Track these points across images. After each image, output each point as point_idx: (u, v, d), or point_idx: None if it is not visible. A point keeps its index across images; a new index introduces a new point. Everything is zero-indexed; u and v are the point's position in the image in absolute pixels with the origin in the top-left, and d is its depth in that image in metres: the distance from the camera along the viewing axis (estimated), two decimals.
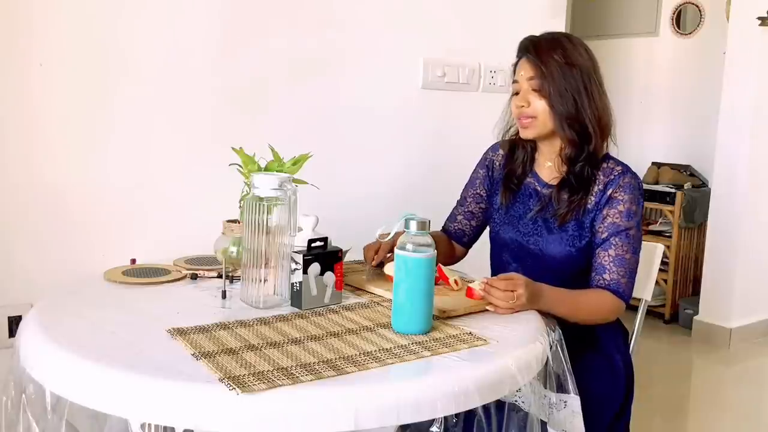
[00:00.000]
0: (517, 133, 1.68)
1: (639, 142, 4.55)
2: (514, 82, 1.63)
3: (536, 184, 1.67)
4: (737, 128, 3.64)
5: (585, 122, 1.56)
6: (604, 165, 1.60)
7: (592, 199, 1.58)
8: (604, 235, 1.55)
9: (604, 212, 1.56)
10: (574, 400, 1.29)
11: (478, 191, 1.78)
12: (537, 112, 1.58)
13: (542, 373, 1.25)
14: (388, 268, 1.56)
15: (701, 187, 4.18)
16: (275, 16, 2.08)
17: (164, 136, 1.93)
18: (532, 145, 1.69)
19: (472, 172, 1.81)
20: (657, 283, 2.71)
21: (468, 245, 1.83)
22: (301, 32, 2.14)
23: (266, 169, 1.53)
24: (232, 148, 1.55)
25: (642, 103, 4.60)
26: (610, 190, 1.56)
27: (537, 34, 1.63)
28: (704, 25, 4.33)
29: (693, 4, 4.38)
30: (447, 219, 1.83)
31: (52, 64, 1.75)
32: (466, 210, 1.79)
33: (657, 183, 4.24)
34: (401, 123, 2.41)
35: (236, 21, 2.02)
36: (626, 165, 1.62)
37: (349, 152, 2.28)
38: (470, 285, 1.43)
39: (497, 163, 1.76)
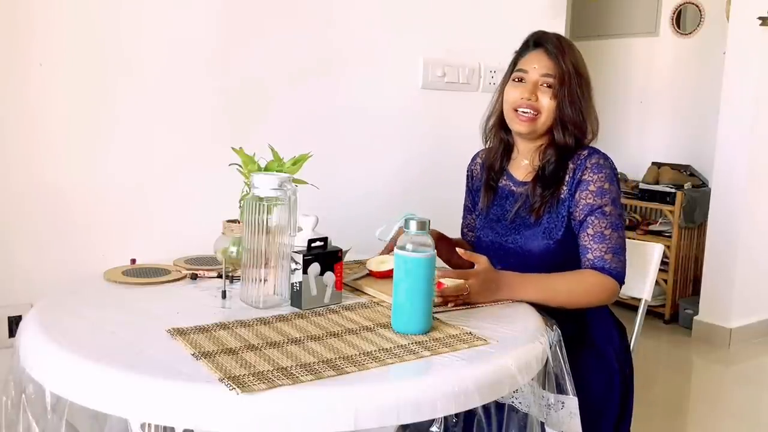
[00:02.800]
0: (495, 126, 1.69)
1: (639, 142, 4.55)
2: (521, 71, 1.60)
3: (511, 184, 1.69)
4: (737, 128, 3.64)
5: (585, 130, 1.59)
6: (573, 155, 1.60)
7: (564, 188, 1.58)
8: (581, 217, 1.55)
9: (576, 196, 1.55)
10: (571, 401, 1.29)
11: (468, 204, 1.85)
12: (543, 109, 1.57)
13: (541, 373, 1.25)
14: (371, 263, 1.58)
15: (701, 187, 4.18)
16: (275, 16, 2.09)
17: (164, 135, 1.93)
18: (510, 140, 1.70)
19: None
20: (657, 283, 2.71)
21: None
22: (301, 32, 2.14)
23: (266, 169, 1.54)
24: (232, 148, 1.55)
25: (642, 103, 4.61)
26: (579, 175, 1.56)
27: (541, 30, 1.63)
28: (704, 25, 4.33)
29: (693, 4, 4.38)
30: (461, 232, 1.88)
31: (52, 64, 1.75)
32: (467, 223, 1.86)
33: (657, 183, 4.23)
34: (401, 123, 2.41)
35: (236, 21, 2.02)
36: (593, 147, 1.61)
37: (349, 152, 2.28)
38: (440, 280, 1.42)
39: (476, 173, 1.81)
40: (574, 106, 1.56)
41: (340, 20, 2.23)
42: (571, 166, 1.58)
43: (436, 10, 2.44)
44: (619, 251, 1.52)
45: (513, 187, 1.67)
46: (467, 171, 1.84)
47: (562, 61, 1.55)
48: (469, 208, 1.84)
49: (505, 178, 1.71)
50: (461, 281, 1.44)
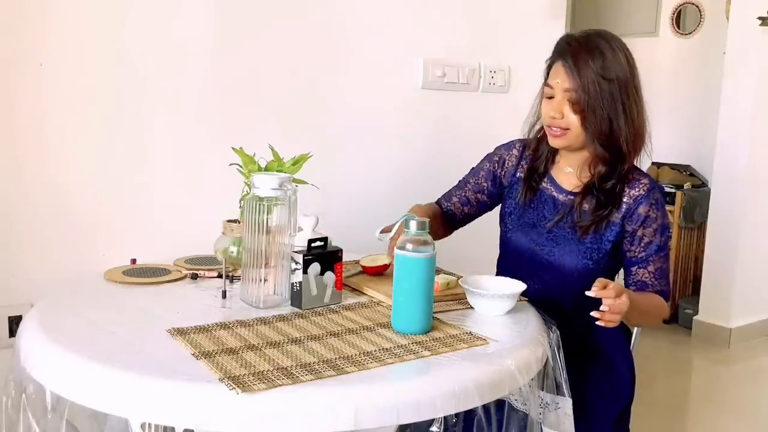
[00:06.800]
0: (541, 130, 1.63)
1: None
2: (548, 85, 1.55)
3: (553, 190, 1.62)
4: (737, 128, 3.64)
5: (619, 141, 1.51)
6: (630, 176, 1.56)
7: (616, 213, 1.54)
8: (641, 255, 1.54)
9: (639, 232, 1.53)
10: (566, 402, 1.29)
11: (481, 182, 1.72)
12: (570, 126, 1.52)
13: (540, 373, 1.25)
14: (364, 261, 1.59)
15: (701, 187, 4.18)
16: (276, 16, 2.09)
17: (164, 135, 1.93)
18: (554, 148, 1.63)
19: (480, 162, 1.76)
20: None
21: (452, 229, 1.76)
22: (301, 32, 2.14)
23: (266, 169, 1.54)
24: (232, 148, 1.55)
25: None
26: (641, 208, 1.53)
27: (576, 34, 1.56)
28: (704, 25, 4.33)
29: (693, 4, 4.38)
30: (442, 196, 1.78)
31: (52, 63, 1.75)
32: (463, 195, 1.73)
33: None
34: (401, 123, 2.41)
35: (236, 21, 2.02)
36: (649, 176, 1.59)
37: (349, 152, 2.28)
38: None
39: (509, 164, 1.70)
40: (599, 118, 1.49)
41: (341, 20, 2.23)
42: (628, 191, 1.54)
43: (436, 10, 2.44)
44: (669, 278, 1.58)
45: (555, 194, 1.61)
46: (496, 155, 1.72)
47: (578, 75, 1.48)
48: (482, 188, 1.72)
49: (546, 181, 1.63)
50: (452, 278, 1.47)
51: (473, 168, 1.77)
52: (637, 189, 1.55)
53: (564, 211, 1.58)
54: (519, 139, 1.72)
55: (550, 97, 1.55)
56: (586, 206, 1.56)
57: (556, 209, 1.59)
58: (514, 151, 1.70)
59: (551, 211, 1.60)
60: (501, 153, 1.73)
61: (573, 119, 1.51)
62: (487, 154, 1.76)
